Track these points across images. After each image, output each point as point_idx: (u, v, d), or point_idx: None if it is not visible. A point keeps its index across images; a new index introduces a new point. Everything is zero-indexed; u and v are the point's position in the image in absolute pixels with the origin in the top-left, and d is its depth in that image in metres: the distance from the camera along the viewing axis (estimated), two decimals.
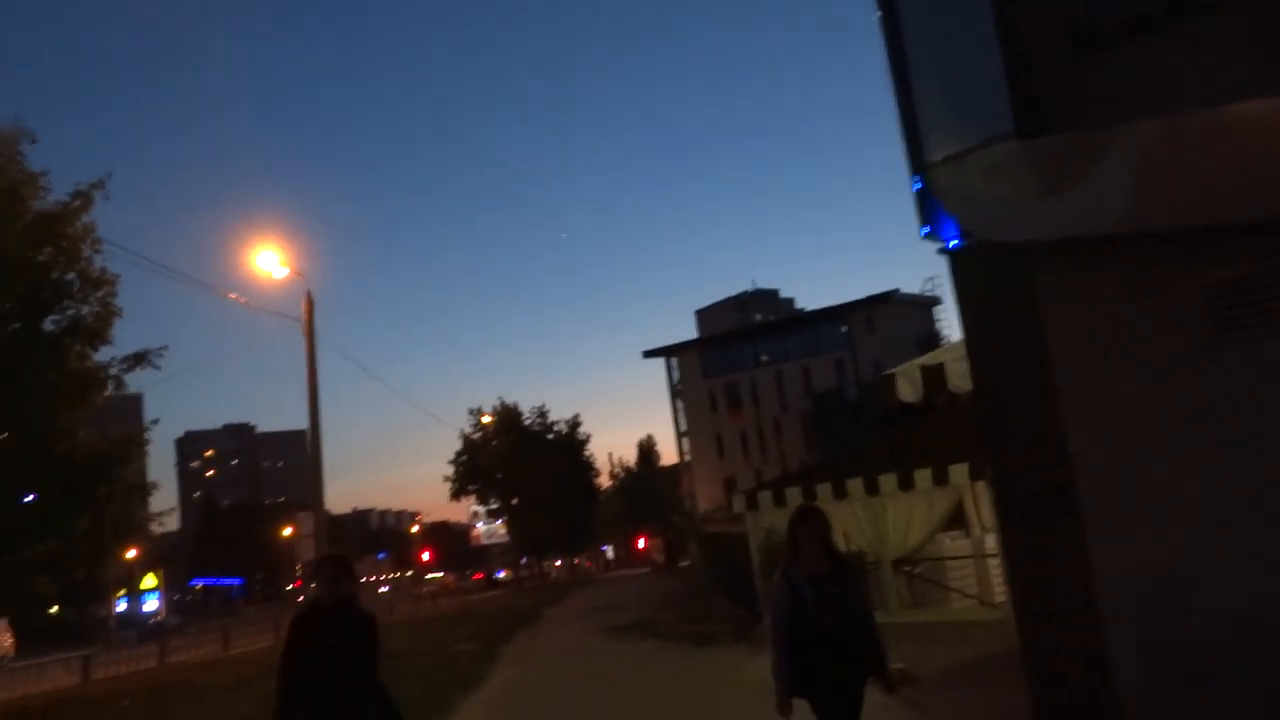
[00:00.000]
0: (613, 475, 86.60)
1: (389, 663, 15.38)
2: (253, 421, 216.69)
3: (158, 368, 14.72)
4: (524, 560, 70.53)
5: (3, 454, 13.20)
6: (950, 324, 70.81)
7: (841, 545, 15.05)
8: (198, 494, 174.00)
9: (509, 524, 63.87)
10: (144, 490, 15.18)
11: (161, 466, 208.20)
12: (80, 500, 13.61)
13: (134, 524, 14.90)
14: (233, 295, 27.81)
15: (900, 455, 14.45)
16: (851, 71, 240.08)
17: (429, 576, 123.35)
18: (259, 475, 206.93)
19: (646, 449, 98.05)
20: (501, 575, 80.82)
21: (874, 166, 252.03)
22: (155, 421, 14.84)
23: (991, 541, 14.47)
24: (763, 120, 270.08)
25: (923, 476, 13.48)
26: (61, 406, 13.73)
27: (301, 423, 30.29)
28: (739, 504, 15.99)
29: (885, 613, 13.77)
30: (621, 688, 11.42)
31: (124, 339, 14.93)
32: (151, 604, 75.21)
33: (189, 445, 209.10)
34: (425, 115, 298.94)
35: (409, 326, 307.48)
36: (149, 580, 74.95)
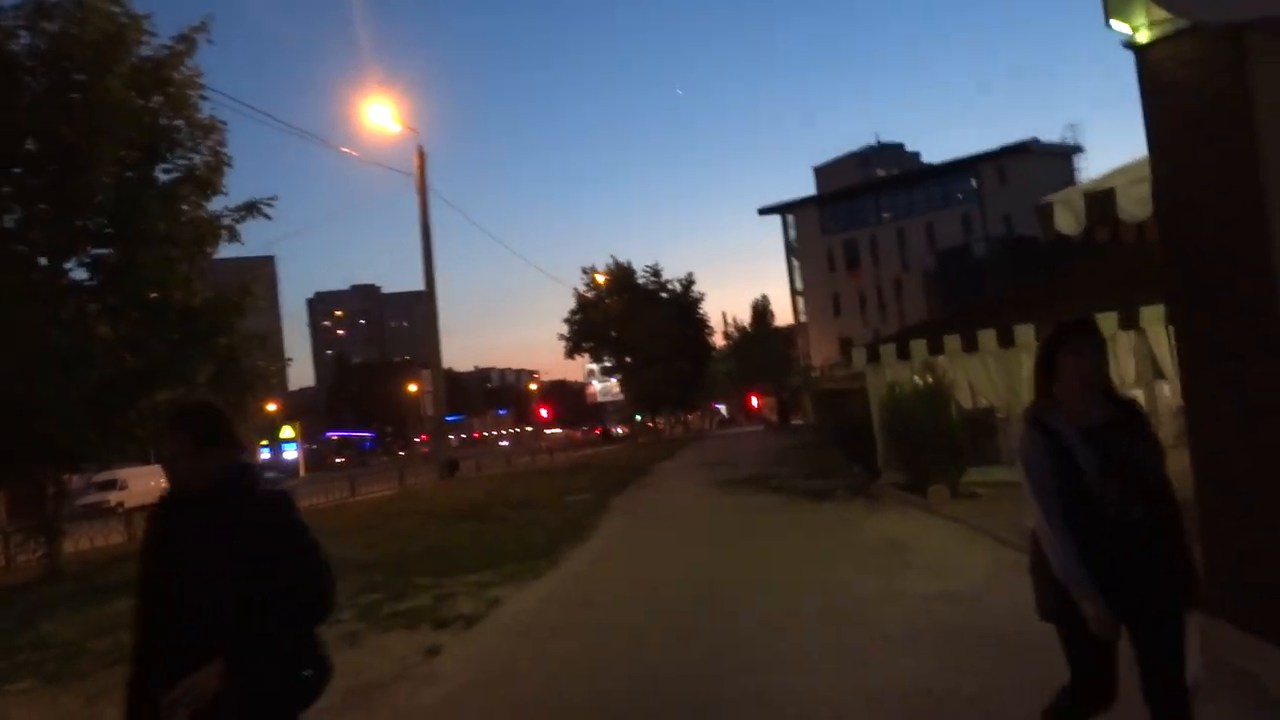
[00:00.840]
0: (726, 335, 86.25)
1: (508, 512, 15.58)
2: (379, 283, 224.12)
3: (268, 216, 14.64)
4: (638, 417, 71.61)
5: (126, 303, 13.49)
6: (1095, 173, 65.79)
7: (970, 401, 14.21)
8: (330, 352, 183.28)
9: (623, 382, 64.60)
10: (262, 340, 15.35)
11: (296, 325, 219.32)
12: (201, 349, 13.88)
13: (257, 373, 15.11)
14: (345, 149, 27.76)
15: (1037, 305, 13.31)
16: None
17: (547, 431, 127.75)
18: (385, 334, 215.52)
19: (761, 309, 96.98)
20: (618, 431, 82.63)
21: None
22: (267, 257, 14.69)
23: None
24: None
25: None
26: (178, 256, 13.87)
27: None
28: (859, 358, 15.20)
29: (1014, 470, 13.02)
30: (733, 541, 11.12)
31: (236, 194, 14.82)
32: (290, 453, 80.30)
33: (319, 305, 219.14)
34: None
35: (525, 186, 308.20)
36: (286, 431, 79.74)
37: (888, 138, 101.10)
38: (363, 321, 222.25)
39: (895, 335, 16.06)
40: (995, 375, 13.32)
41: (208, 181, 14.34)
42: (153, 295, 13.42)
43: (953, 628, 5.97)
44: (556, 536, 12.22)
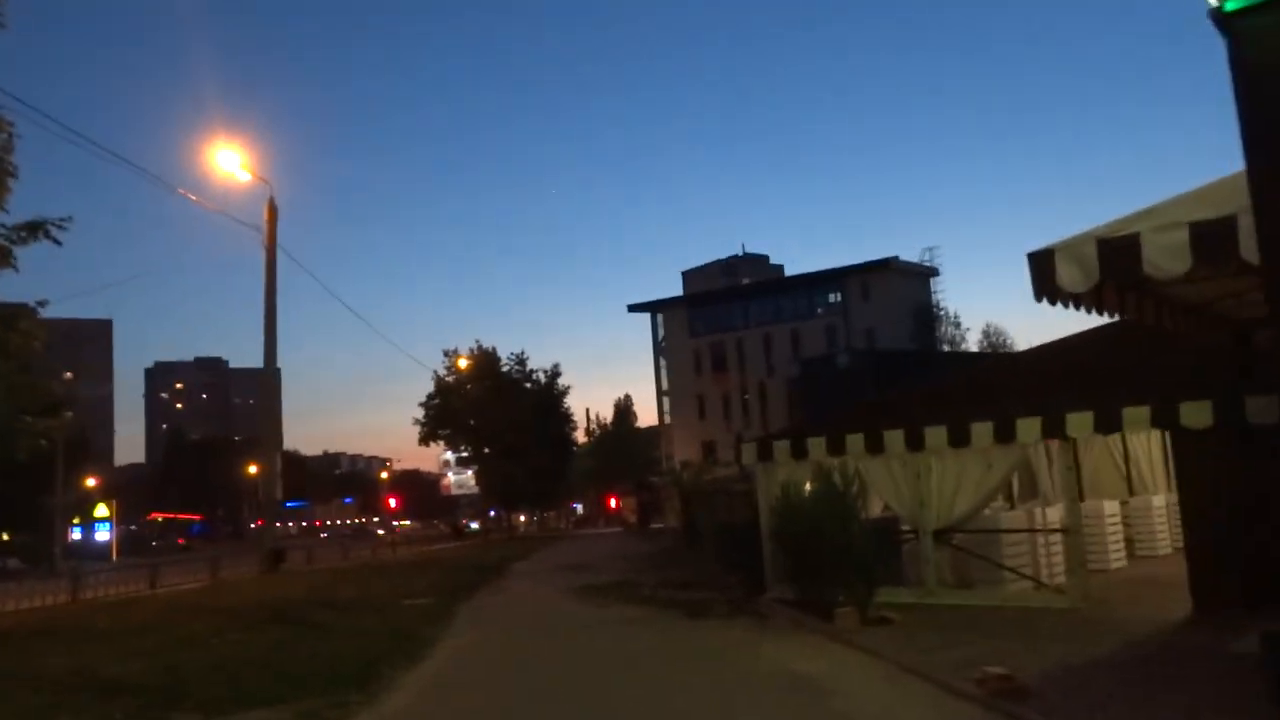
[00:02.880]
0: (588, 432, 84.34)
1: (330, 617, 12.91)
2: (226, 356, 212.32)
3: (58, 241, 12.04)
4: (492, 512, 68.23)
5: None
6: (949, 297, 68.39)
7: (874, 510, 12.72)
8: (166, 426, 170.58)
9: (479, 474, 61.42)
10: (35, 388, 12.43)
11: (132, 397, 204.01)
12: None
13: (22, 431, 12.13)
14: (188, 194, 24.88)
15: (952, 405, 12.07)
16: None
17: (396, 523, 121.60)
18: (230, 411, 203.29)
19: (624, 408, 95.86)
20: (474, 526, 78.62)
21: (875, 126, 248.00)
22: (43, 302, 12.03)
23: (1053, 514, 12.24)
24: (754, 81, 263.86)
25: (981, 432, 11.11)
26: None
27: (277, 361, 27.81)
28: (749, 455, 13.58)
29: (922, 591, 11.51)
30: (600, 668, 9.05)
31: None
32: (103, 534, 72.49)
33: (159, 376, 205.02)
34: (413, 60, 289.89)
35: (386, 269, 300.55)
36: (101, 510, 72.21)
37: (753, 248, 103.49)
38: (205, 396, 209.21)
39: (788, 431, 14.54)
40: (902, 482, 11.88)
41: None
42: None
43: None
44: (383, 654, 9.80)
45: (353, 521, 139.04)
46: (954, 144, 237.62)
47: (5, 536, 66.33)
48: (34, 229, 11.88)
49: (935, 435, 11.46)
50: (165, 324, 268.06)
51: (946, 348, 64.60)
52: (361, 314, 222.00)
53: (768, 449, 13.24)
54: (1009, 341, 64.69)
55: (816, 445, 12.56)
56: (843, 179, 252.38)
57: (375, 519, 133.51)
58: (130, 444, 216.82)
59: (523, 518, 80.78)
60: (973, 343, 65.84)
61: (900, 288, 68.35)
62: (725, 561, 16.41)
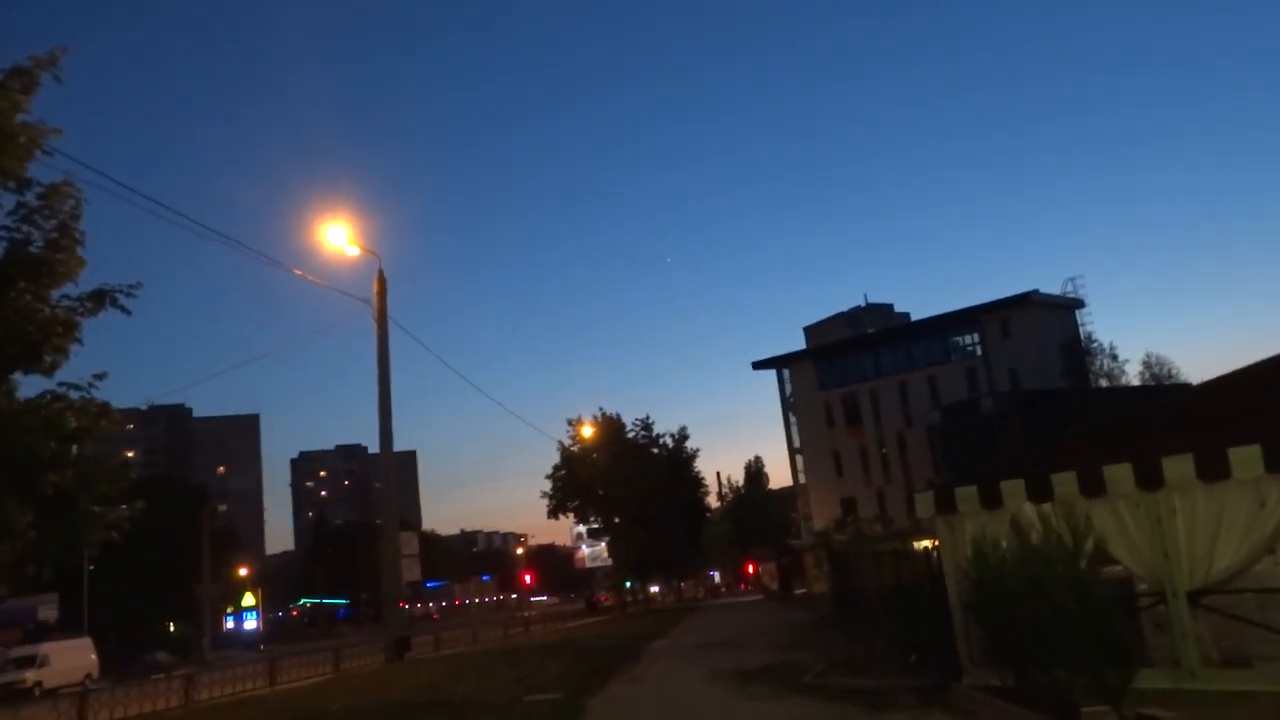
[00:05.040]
0: (720, 496, 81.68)
1: (440, 719, 10.95)
2: (366, 443, 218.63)
3: (127, 311, 10.96)
4: (628, 584, 66.05)
5: None
6: (1099, 330, 63.58)
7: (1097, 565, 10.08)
8: (310, 514, 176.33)
9: (611, 545, 59.63)
10: (114, 475, 11.26)
11: (281, 486, 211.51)
12: (12, 487, 9.87)
13: (89, 521, 10.92)
14: (309, 276, 24.25)
15: (1195, 426, 9.46)
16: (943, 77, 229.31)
17: (534, 599, 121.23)
18: (371, 495, 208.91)
19: (755, 469, 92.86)
20: (603, 600, 76.76)
21: (994, 164, 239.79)
22: (101, 376, 10.82)
23: None
24: (861, 126, 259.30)
25: (1245, 458, 8.49)
26: None
27: (411, 444, 26.98)
28: (925, 506, 11.16)
29: (1180, 675, 8.77)
30: None
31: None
32: (251, 623, 73.92)
33: (304, 465, 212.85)
34: (532, 122, 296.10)
35: (507, 343, 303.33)
36: (248, 599, 73.71)
37: (875, 298, 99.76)
38: (347, 483, 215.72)
39: (978, 474, 12.01)
40: (1136, 531, 9.26)
41: (47, 265, 10.66)
42: None
43: None
44: None
45: (496, 598, 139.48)
46: (1088, 166, 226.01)
47: (172, 627, 67.62)
48: (99, 298, 10.81)
49: (1178, 466, 8.87)
50: (310, 415, 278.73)
51: (1104, 383, 59.47)
52: (483, 388, 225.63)
53: (949, 498, 10.79)
54: (1174, 373, 59.12)
55: (1013, 490, 10.08)
56: (961, 217, 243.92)
57: (514, 595, 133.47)
58: (281, 532, 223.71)
59: (656, 588, 78.26)
60: (1133, 375, 60.47)
61: (1044, 323, 63.66)
62: (899, 636, 13.82)
